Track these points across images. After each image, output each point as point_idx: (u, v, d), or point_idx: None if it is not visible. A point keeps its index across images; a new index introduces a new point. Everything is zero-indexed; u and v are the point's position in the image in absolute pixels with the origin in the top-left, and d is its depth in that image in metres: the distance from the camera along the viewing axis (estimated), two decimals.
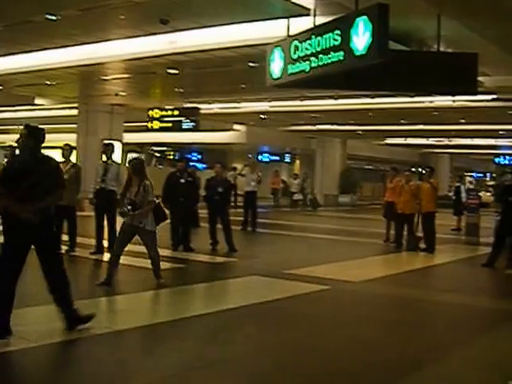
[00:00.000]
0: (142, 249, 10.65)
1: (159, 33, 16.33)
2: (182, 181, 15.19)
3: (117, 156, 20.06)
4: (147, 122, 26.92)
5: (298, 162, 49.30)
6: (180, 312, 9.27)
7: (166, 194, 15.05)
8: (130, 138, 33.72)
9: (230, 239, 15.66)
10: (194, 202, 15.80)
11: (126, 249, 10.58)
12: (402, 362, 7.34)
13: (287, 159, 48.73)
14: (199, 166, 42.04)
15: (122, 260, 10.68)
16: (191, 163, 35.69)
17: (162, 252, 14.42)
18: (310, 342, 7.81)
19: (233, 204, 23.84)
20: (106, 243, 13.61)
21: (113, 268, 10.36)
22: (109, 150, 13.95)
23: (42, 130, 7.35)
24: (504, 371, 7.08)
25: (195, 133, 30.51)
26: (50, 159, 7.27)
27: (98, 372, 6.28)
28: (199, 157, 48.75)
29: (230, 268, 13.76)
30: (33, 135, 7.19)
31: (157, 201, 10.77)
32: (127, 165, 10.63)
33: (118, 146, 24.66)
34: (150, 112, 26.71)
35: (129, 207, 10.25)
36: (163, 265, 12.12)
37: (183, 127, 26.41)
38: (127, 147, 34.33)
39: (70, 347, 7.11)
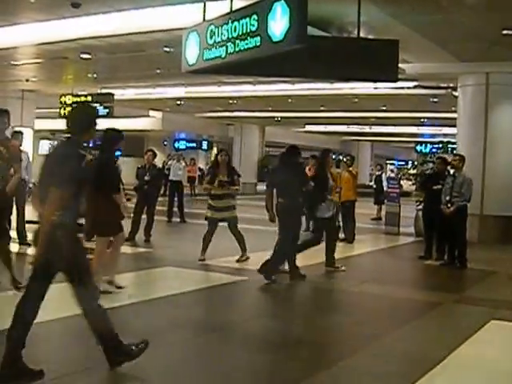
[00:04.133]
0: None
1: (71, 17, 15.92)
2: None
3: (28, 144, 19.64)
4: (60, 108, 26.36)
5: (215, 149, 49.12)
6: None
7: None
8: (42, 125, 33.15)
9: (149, 228, 15.77)
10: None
11: None
12: (317, 357, 7.32)
13: (204, 146, 48.46)
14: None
15: None
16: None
17: None
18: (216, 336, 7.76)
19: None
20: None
21: None
22: (18, 138, 13.69)
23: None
24: (413, 359, 7.15)
25: (110, 119, 30.12)
26: None
27: None
28: None
29: (145, 258, 13.65)
30: None
31: None
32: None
33: (29, 134, 24.20)
34: (63, 98, 26.16)
35: None
36: None
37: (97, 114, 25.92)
38: (39, 134, 33.72)
39: None
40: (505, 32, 14.36)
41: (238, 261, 13.28)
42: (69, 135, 6.44)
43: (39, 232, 6.04)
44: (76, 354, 6.97)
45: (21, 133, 13.88)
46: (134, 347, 6.41)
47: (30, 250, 9.78)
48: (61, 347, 7.51)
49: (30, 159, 14.20)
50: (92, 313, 6.23)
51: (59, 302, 7.01)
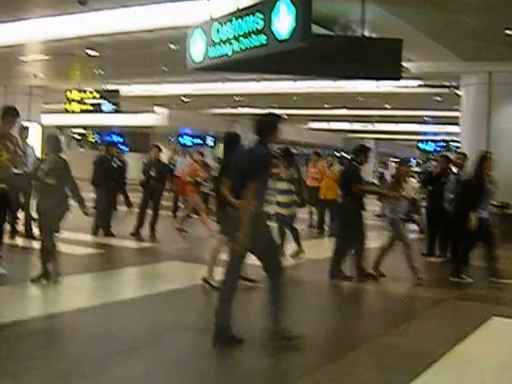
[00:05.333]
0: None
1: (78, 13, 15.92)
2: (114, 165, 15.52)
3: (35, 138, 19.69)
4: (66, 104, 26.38)
5: (221, 145, 49.09)
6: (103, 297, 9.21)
7: (97, 178, 15.43)
8: (50, 120, 33.20)
9: (154, 223, 15.88)
10: (123, 185, 16.15)
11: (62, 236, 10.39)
12: (316, 354, 7.34)
13: (210, 143, 48.40)
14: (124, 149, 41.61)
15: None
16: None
17: (82, 237, 14.31)
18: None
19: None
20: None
21: None
22: (24, 132, 13.90)
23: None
24: (414, 355, 7.16)
25: (116, 115, 30.19)
26: None
27: None
28: (120, 139, 48.17)
29: (150, 253, 13.71)
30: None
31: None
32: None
33: (37, 129, 24.24)
34: (70, 94, 26.17)
35: None
36: (84, 250, 11.97)
37: (104, 109, 26.03)
38: (47, 129, 33.70)
39: None
40: (508, 32, 14.36)
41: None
42: (258, 139, 7.56)
43: (229, 217, 7.44)
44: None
45: (27, 128, 14.00)
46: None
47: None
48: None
49: (37, 153, 14.23)
50: (274, 286, 7.47)
51: None
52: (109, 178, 15.59)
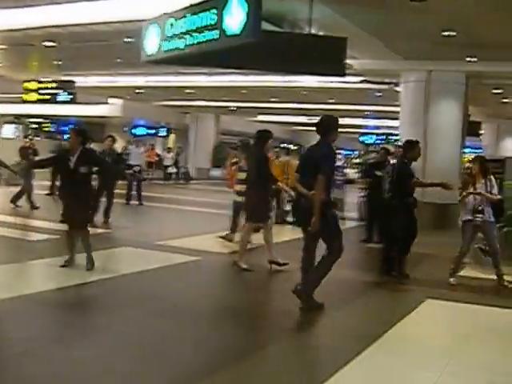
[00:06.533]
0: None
1: (36, 5, 15.72)
2: None
3: None
4: (23, 93, 26.06)
5: (172, 136, 48.83)
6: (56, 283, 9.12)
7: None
8: (6, 109, 32.82)
9: (108, 210, 15.82)
10: None
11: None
12: (266, 333, 7.40)
13: (162, 133, 48.20)
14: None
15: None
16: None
17: (40, 224, 14.15)
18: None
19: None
20: None
21: None
22: None
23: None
24: (355, 335, 7.26)
25: (72, 105, 29.91)
26: None
27: None
28: None
29: (105, 239, 13.60)
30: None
31: None
32: None
33: None
34: (26, 84, 25.83)
35: None
36: (39, 236, 11.83)
37: (60, 100, 25.78)
38: (4, 119, 33.35)
39: None
40: (444, 33, 14.54)
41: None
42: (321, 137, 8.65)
43: (302, 207, 8.51)
44: None
45: None
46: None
47: None
48: None
49: None
50: (322, 264, 8.62)
51: None
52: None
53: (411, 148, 11.35)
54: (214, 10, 10.07)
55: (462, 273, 11.61)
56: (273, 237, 11.39)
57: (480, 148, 37.80)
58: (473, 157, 12.11)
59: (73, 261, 10.18)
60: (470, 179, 10.94)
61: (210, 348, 6.83)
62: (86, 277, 9.63)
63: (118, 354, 6.39)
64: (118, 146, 21.14)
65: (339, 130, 8.81)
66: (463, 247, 10.92)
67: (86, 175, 10.14)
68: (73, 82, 25.74)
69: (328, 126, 8.73)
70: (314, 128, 8.72)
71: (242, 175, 13.22)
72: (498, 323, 8.65)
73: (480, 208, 10.60)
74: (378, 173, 14.37)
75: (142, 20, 12.66)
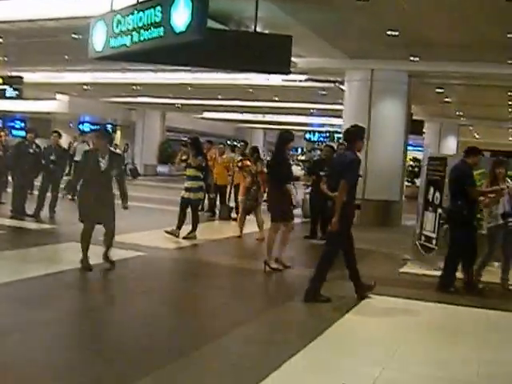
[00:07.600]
0: None
1: None
2: (31, 151, 15.39)
3: None
4: None
5: (119, 132, 48.49)
6: None
7: (13, 162, 15.34)
8: None
9: (53, 205, 15.76)
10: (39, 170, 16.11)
11: None
12: (204, 329, 7.38)
13: (108, 130, 47.81)
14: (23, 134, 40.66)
15: None
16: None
17: None
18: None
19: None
20: None
21: None
22: None
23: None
24: (297, 330, 7.27)
25: (19, 101, 29.56)
26: None
27: None
28: (22, 125, 47.04)
29: (50, 234, 13.47)
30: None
31: None
32: None
33: None
34: None
35: None
36: None
37: (6, 95, 25.48)
38: None
39: None
40: (388, 33, 14.64)
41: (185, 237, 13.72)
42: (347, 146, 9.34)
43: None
44: None
45: None
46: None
47: None
48: None
49: None
50: (325, 256, 9.05)
51: None
52: (23, 163, 15.36)
53: (474, 155, 10.44)
54: (160, 8, 10.02)
55: (402, 269, 11.76)
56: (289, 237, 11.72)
57: (421, 146, 38.31)
58: (495, 160, 10.99)
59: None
60: (495, 183, 10.31)
61: (148, 346, 6.77)
62: None
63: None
64: (64, 141, 20.92)
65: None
66: (489, 255, 10.52)
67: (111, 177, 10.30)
68: (21, 77, 25.41)
69: (354, 135, 9.12)
70: (341, 136, 9.33)
71: (190, 172, 13.36)
72: (440, 318, 8.76)
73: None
74: (322, 173, 14.37)
75: (90, 17, 12.54)
